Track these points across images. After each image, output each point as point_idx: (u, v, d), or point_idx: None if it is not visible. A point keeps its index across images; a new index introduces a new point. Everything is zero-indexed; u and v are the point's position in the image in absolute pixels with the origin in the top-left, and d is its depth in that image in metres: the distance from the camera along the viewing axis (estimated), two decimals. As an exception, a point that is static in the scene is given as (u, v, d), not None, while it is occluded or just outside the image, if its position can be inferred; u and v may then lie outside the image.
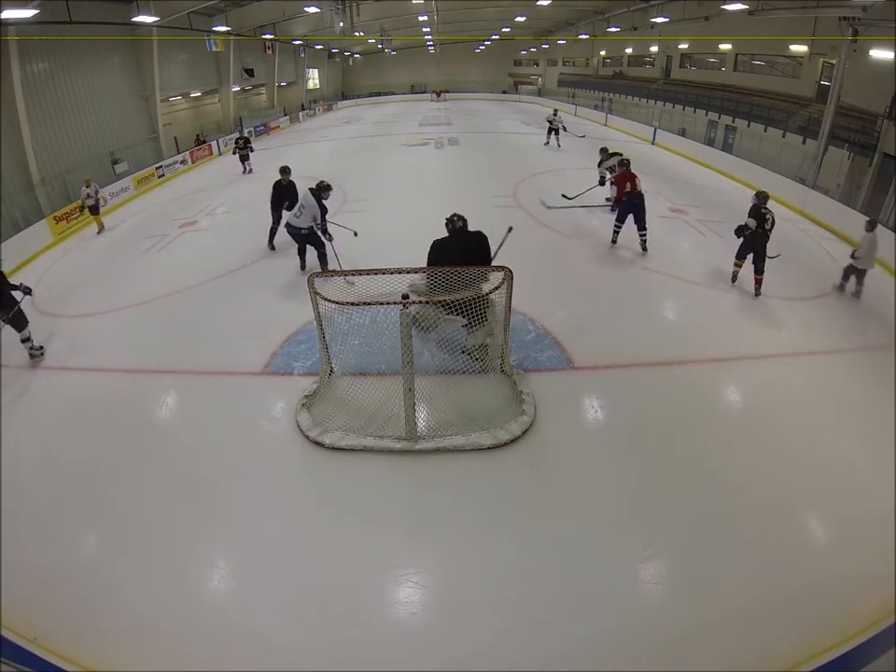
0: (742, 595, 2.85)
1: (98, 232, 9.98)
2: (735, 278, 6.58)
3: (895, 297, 6.18)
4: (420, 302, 3.98)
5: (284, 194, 7.47)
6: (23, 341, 5.38)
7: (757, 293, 6.27)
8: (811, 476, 3.62)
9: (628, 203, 7.24)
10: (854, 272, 6.32)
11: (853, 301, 6.21)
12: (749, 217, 6.09)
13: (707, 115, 17.38)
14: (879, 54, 11.15)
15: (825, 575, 2.96)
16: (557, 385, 4.57)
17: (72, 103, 13.05)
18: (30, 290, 5.44)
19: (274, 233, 7.75)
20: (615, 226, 7.60)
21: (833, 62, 12.02)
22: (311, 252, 6.71)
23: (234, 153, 14.45)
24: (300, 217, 6.39)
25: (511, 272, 3.99)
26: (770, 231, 6.12)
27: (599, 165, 9.68)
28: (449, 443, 3.86)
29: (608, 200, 8.76)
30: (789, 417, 4.21)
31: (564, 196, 8.79)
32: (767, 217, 6.10)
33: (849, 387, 4.60)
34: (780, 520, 3.31)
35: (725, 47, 18.42)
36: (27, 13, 9.16)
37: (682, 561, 3.10)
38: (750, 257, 6.21)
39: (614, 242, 7.65)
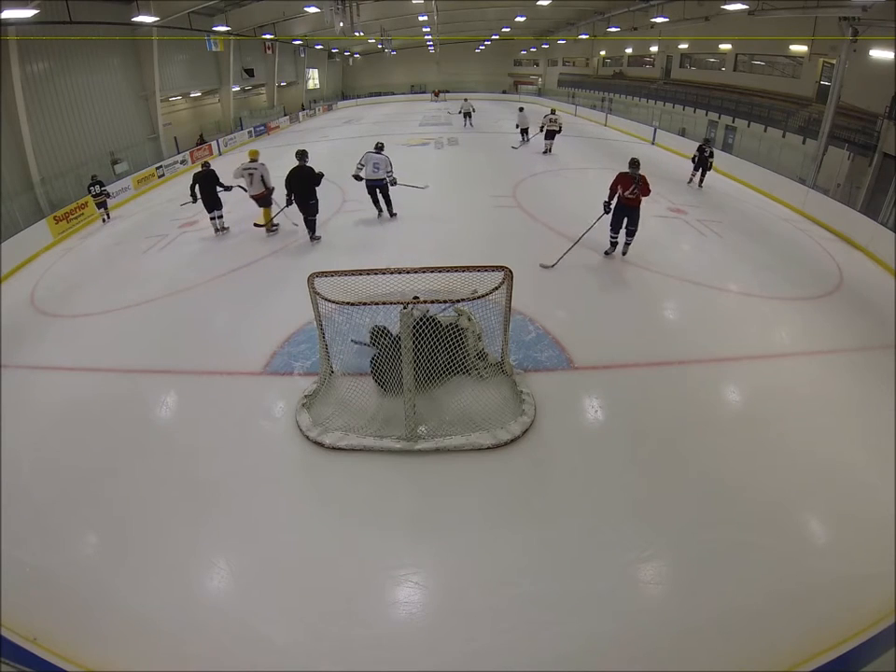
0: (742, 595, 2.85)
1: None
2: (691, 181, 11.21)
3: (895, 297, 6.20)
4: (425, 302, 3.98)
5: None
6: (212, 219, 8.47)
7: (690, 181, 11.26)
8: (811, 476, 3.62)
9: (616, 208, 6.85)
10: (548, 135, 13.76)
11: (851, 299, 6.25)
12: (696, 151, 10.91)
13: (707, 115, 17.38)
14: (879, 54, 11.16)
15: (825, 575, 2.96)
16: (557, 385, 4.57)
17: (72, 103, 13.07)
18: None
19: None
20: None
21: (833, 62, 12.02)
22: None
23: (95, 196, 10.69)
24: (378, 171, 7.93)
25: (510, 271, 4.00)
26: (710, 157, 10.76)
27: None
28: (449, 443, 3.86)
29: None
30: (789, 417, 4.20)
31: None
32: (706, 149, 10.73)
33: (849, 387, 4.60)
34: (780, 520, 3.31)
35: (725, 47, 18.43)
36: (27, 13, 9.18)
37: (682, 561, 3.10)
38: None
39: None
